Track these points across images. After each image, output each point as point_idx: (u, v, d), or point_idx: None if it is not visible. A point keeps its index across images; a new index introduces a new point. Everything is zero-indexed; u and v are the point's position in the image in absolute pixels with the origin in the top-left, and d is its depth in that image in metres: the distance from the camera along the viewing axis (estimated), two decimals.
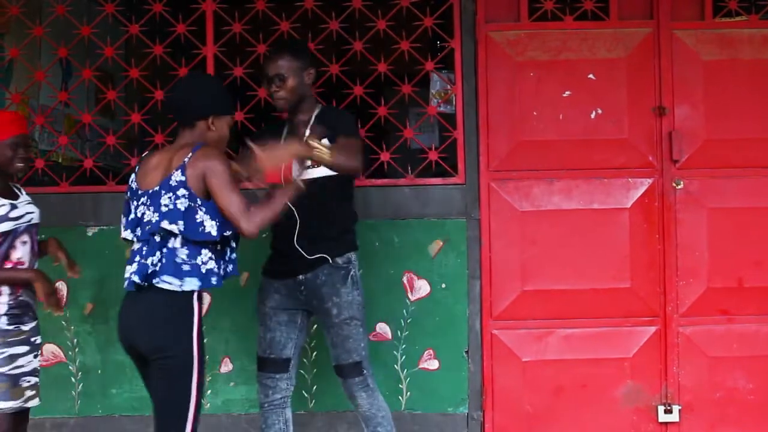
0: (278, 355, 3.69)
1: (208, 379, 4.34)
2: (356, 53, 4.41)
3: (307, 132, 3.58)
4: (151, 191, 3.12)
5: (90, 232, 4.35)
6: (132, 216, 3.18)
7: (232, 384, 4.35)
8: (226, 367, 4.35)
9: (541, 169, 4.38)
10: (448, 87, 4.47)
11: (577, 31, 4.42)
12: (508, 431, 4.37)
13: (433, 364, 4.36)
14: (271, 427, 3.72)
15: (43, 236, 4.31)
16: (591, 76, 4.40)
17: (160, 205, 3.07)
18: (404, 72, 4.44)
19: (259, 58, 4.38)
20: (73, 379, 4.35)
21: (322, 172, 3.52)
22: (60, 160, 4.98)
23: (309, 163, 3.39)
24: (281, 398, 3.72)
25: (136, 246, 3.15)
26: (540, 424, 4.38)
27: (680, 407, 4.37)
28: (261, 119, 4.41)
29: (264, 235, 4.27)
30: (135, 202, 3.19)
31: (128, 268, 3.13)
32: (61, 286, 4.32)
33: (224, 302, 4.34)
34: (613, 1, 4.43)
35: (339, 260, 3.66)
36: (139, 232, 3.14)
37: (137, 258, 3.11)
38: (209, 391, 4.34)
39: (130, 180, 3.25)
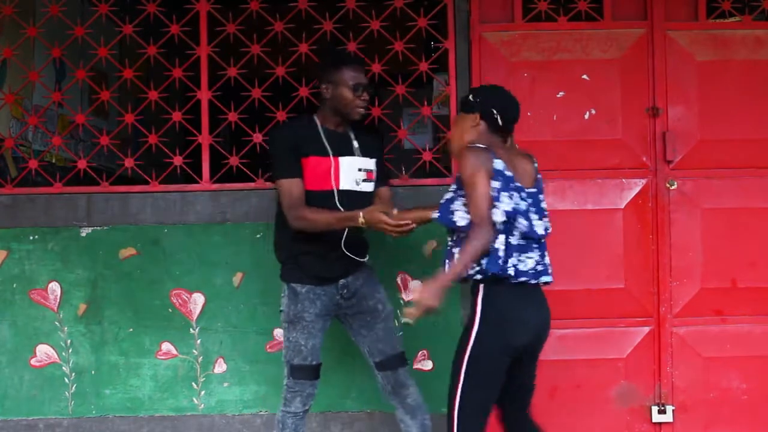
0: (317, 361, 3.73)
1: (202, 379, 4.35)
2: (350, 54, 4.40)
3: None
4: (528, 191, 3.33)
5: (83, 232, 4.35)
6: (536, 211, 3.34)
7: (225, 384, 4.35)
8: (220, 367, 4.34)
9: None
10: (443, 88, 4.47)
11: (571, 32, 4.42)
12: None
13: (427, 365, 4.36)
14: None
15: (36, 236, 4.32)
16: (585, 76, 4.40)
17: (542, 209, 3.37)
18: (398, 73, 4.45)
19: (253, 59, 4.38)
20: (66, 380, 4.34)
21: (372, 188, 3.78)
22: (53, 161, 4.98)
23: (364, 176, 3.71)
24: (311, 403, 3.78)
25: (519, 241, 3.27)
26: None
27: (674, 407, 4.37)
28: (255, 120, 4.42)
29: (258, 236, 4.30)
30: (524, 199, 3.30)
31: (529, 263, 3.29)
32: (55, 287, 4.32)
33: (218, 303, 4.34)
34: (607, 2, 4.43)
35: (368, 261, 3.82)
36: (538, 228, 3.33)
37: (541, 257, 3.35)
38: (203, 392, 4.34)
39: (505, 170, 3.27)
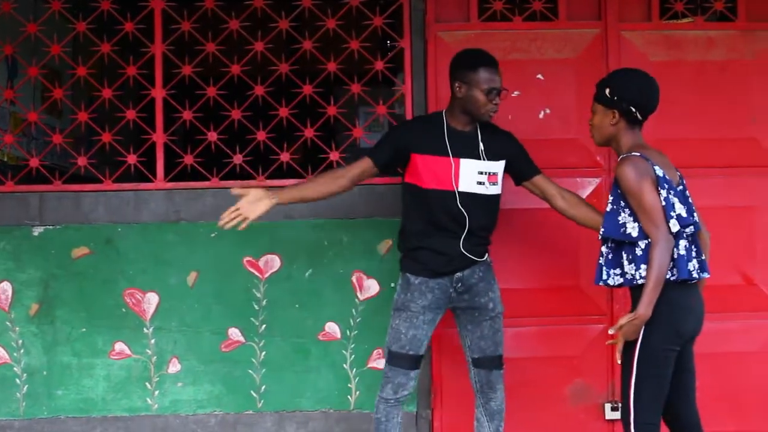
0: (416, 351, 3.73)
1: (155, 379, 4.32)
2: (306, 52, 4.40)
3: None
4: (678, 189, 3.32)
5: (36, 231, 4.30)
6: (685, 207, 3.30)
7: (179, 384, 4.32)
8: (174, 367, 4.31)
9: None
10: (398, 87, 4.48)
11: (526, 32, 4.44)
12: (456, 430, 4.37)
13: (383, 364, 4.34)
14: (390, 420, 3.77)
15: None
16: (540, 76, 4.43)
17: (690, 204, 3.34)
18: (354, 71, 4.45)
19: (208, 57, 4.36)
20: (17, 381, 4.29)
21: (497, 190, 3.78)
22: (5, 159, 4.91)
23: (485, 179, 3.71)
24: (407, 395, 3.78)
25: (683, 241, 3.28)
26: None
27: None
28: (209, 119, 4.39)
29: (213, 235, 4.28)
30: (672, 195, 3.28)
31: (692, 262, 3.29)
32: (6, 287, 4.27)
33: (172, 302, 4.31)
34: (561, 2, 4.46)
35: (488, 258, 3.85)
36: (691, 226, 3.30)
37: (698, 253, 3.34)
38: (156, 392, 4.31)
39: (660, 172, 3.28)
